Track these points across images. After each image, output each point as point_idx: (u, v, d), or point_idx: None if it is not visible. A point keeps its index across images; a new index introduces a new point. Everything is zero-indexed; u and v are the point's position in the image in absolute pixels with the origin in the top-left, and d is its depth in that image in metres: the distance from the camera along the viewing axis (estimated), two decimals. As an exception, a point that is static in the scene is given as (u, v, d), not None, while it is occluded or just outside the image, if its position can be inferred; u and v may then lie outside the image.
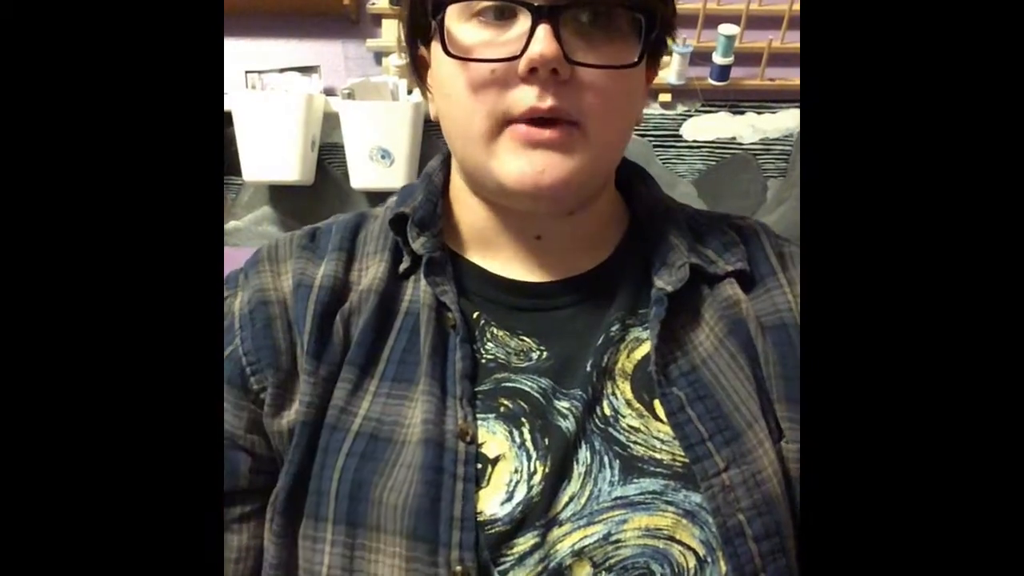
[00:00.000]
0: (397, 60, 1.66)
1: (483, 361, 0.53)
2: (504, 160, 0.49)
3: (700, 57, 1.59)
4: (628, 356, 0.53)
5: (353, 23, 1.75)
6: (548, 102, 0.47)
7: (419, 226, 0.55)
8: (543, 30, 0.45)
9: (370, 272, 0.55)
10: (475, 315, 0.55)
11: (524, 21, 0.46)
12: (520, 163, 0.48)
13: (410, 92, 1.64)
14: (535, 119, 0.48)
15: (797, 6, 1.58)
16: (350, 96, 1.62)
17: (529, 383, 0.51)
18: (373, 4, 1.70)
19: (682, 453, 0.48)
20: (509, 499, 0.47)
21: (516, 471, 0.48)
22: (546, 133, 0.48)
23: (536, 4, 0.45)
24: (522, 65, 0.46)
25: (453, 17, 0.49)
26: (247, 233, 1.81)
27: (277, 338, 0.53)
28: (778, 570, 0.47)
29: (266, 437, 0.53)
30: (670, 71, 1.57)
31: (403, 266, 0.55)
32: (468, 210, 0.57)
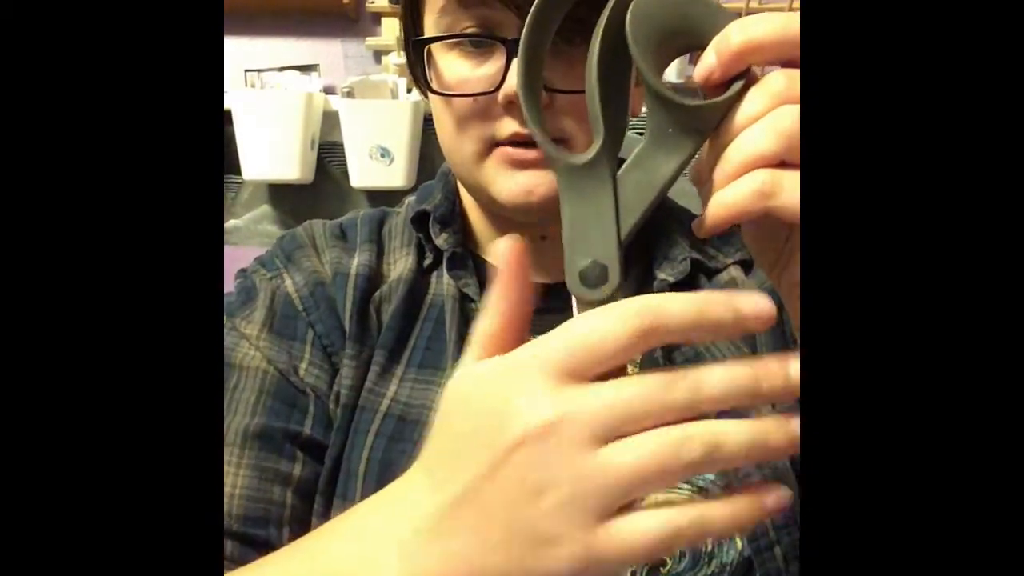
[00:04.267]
0: (396, 59, 1.66)
1: None
2: (494, 180, 0.50)
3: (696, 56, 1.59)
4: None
5: (352, 21, 1.75)
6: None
7: (440, 223, 0.57)
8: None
9: (399, 265, 0.57)
10: None
11: (501, 53, 0.48)
12: (509, 184, 0.50)
13: (410, 91, 1.64)
14: (520, 141, 0.49)
15: (797, 4, 1.58)
16: (349, 94, 1.62)
17: None
18: (372, 3, 1.70)
19: None
20: None
21: None
22: (532, 154, 0.48)
23: (510, 38, 0.46)
24: (500, 99, 0.48)
25: (436, 48, 0.51)
26: (247, 231, 1.81)
27: (341, 319, 0.54)
28: (793, 542, 0.47)
29: None
30: (670, 69, 1.57)
31: (427, 261, 0.57)
32: (476, 212, 0.59)
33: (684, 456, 0.26)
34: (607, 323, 0.27)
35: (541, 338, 0.28)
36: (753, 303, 0.27)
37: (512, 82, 0.46)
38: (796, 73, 0.28)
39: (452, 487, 0.28)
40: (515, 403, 0.27)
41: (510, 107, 0.48)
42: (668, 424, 0.26)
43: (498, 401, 0.27)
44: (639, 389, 0.26)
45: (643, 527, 0.26)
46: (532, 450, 0.26)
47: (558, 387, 0.26)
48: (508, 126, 0.48)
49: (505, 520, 0.27)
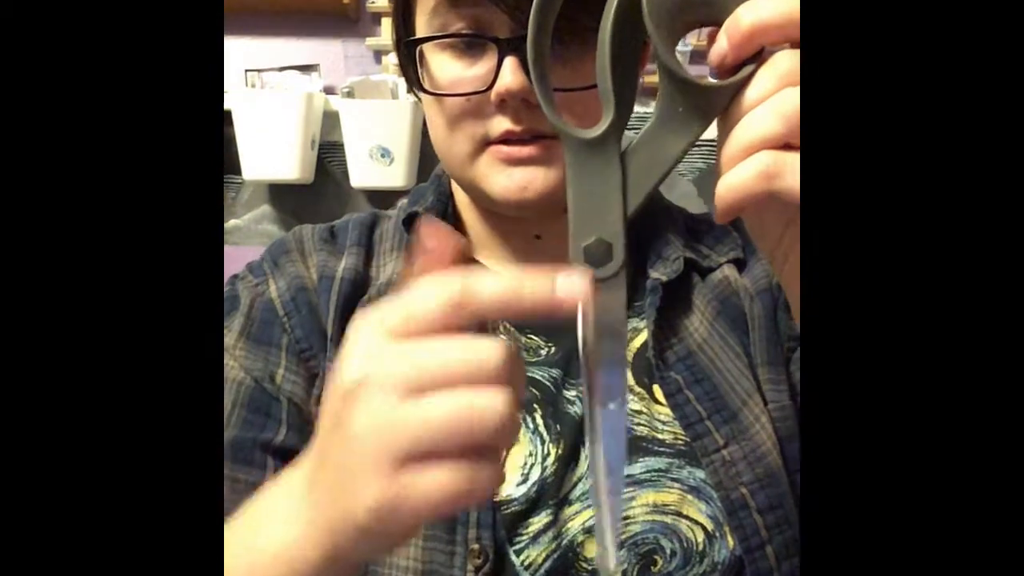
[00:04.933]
0: (396, 59, 1.67)
1: None
2: (488, 177, 0.50)
3: (700, 56, 1.59)
4: (627, 345, 0.54)
5: (353, 22, 1.75)
6: (523, 125, 0.48)
7: None
8: (510, 62, 0.46)
9: (388, 268, 0.57)
10: None
11: (493, 52, 0.48)
12: (503, 180, 0.50)
13: (410, 91, 1.64)
14: (514, 138, 0.49)
15: (797, 4, 1.57)
16: (350, 95, 1.62)
17: (541, 373, 0.53)
18: (373, 3, 1.70)
19: (683, 432, 0.50)
20: (525, 480, 0.48)
21: (531, 454, 0.49)
22: (525, 150, 0.49)
23: (501, 37, 0.47)
24: (492, 98, 0.48)
25: (428, 48, 0.51)
26: (247, 232, 1.81)
27: (323, 323, 0.54)
28: (785, 541, 0.48)
29: None
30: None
31: None
32: (469, 213, 0.59)
33: (463, 418, 0.27)
34: (427, 292, 0.28)
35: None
36: (568, 286, 0.28)
37: (505, 80, 0.46)
38: None
39: (317, 443, 0.32)
40: (345, 362, 0.29)
41: (502, 106, 0.48)
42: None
43: (341, 361, 0.30)
44: (437, 348, 0.28)
45: (431, 478, 0.27)
46: (351, 402, 0.28)
47: (380, 345, 0.29)
48: (500, 124, 0.49)
49: (337, 465, 0.29)
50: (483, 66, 0.49)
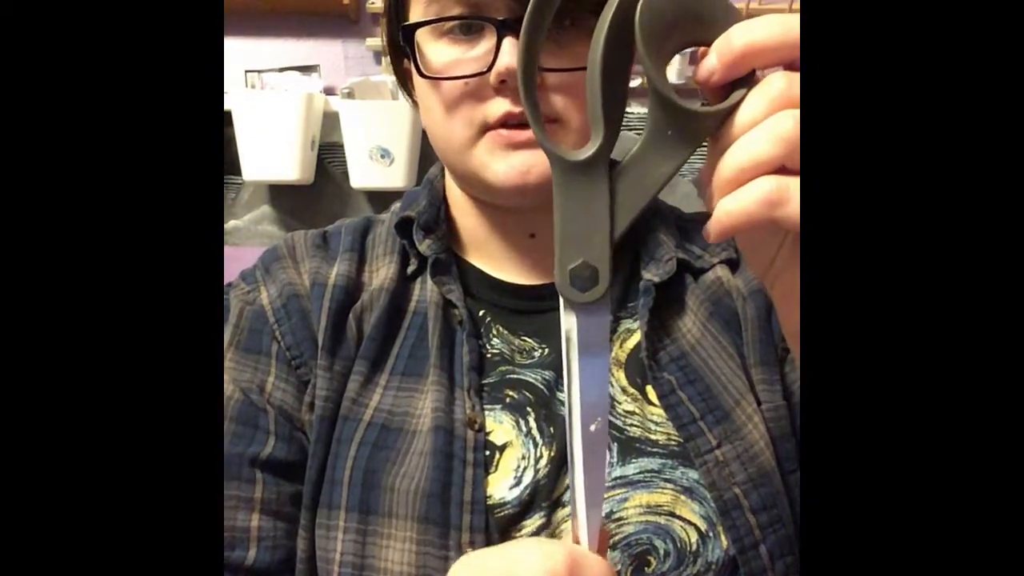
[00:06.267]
0: (397, 59, 1.66)
1: (488, 355, 0.54)
2: (488, 164, 0.50)
3: (700, 56, 1.59)
4: (621, 346, 0.54)
5: (353, 22, 1.75)
6: (522, 107, 0.48)
7: (424, 229, 0.57)
8: (508, 43, 0.47)
9: (380, 273, 0.57)
10: (480, 313, 0.56)
11: (491, 35, 0.48)
12: (503, 165, 0.50)
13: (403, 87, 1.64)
14: (513, 122, 0.49)
15: (797, 5, 1.58)
16: (350, 95, 1.62)
17: (533, 375, 0.53)
18: (373, 3, 1.70)
19: (676, 433, 0.50)
20: (517, 483, 0.48)
21: (523, 457, 0.49)
22: (525, 134, 0.49)
23: (500, 19, 0.47)
24: (492, 79, 0.48)
25: (424, 37, 0.51)
26: (247, 232, 1.81)
27: (314, 330, 0.54)
28: (778, 540, 0.48)
29: None
30: (670, 70, 1.57)
31: (410, 268, 0.57)
32: (464, 213, 0.59)
33: None
34: (533, 560, 0.32)
35: (486, 554, 0.34)
36: None
37: (504, 60, 0.46)
38: (796, 76, 0.28)
39: None
40: None
41: (502, 87, 0.48)
42: None
43: None
44: None
45: None
46: None
47: None
48: (500, 106, 0.48)
49: None
50: (481, 49, 0.49)
